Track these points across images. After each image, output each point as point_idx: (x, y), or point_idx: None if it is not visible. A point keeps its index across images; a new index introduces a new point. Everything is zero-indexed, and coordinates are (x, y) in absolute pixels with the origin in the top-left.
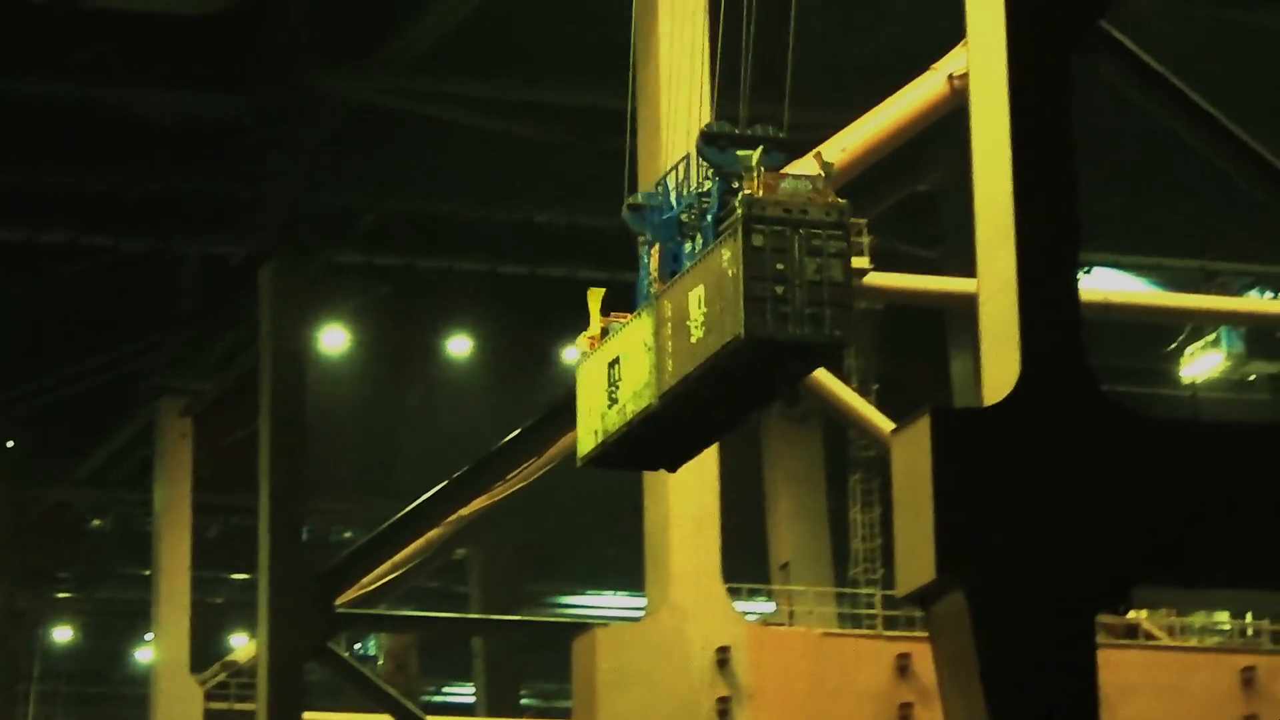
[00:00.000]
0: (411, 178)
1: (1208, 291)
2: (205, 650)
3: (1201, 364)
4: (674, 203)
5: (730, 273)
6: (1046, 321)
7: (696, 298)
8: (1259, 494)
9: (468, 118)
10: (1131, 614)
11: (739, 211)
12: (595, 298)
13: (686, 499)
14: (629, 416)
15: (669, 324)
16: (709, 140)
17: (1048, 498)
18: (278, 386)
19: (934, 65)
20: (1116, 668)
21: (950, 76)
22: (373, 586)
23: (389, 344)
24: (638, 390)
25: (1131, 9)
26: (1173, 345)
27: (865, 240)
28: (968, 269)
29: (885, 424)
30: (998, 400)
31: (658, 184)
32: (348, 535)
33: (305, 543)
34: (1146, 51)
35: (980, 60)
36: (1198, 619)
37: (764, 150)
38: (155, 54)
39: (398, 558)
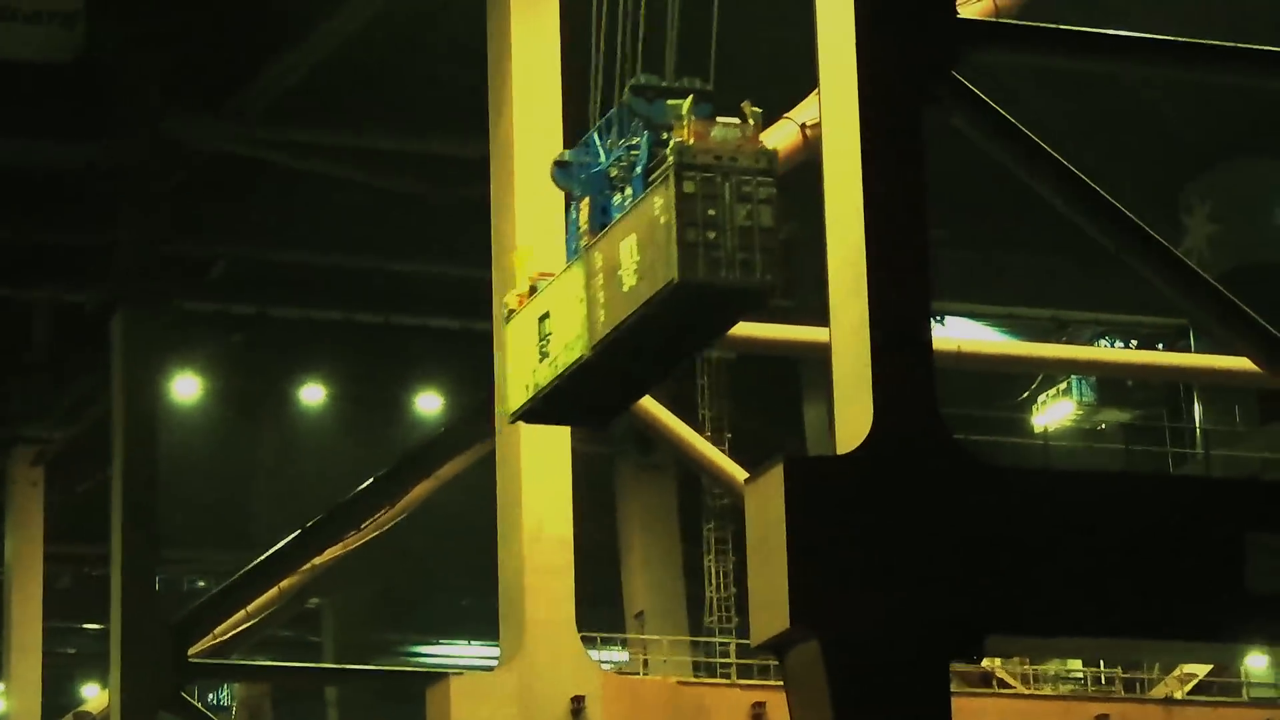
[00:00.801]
0: (265, 226)
1: (1059, 341)
2: (57, 701)
3: (1053, 413)
4: (602, 157)
5: (662, 220)
6: (899, 370)
7: (628, 247)
8: (1110, 542)
9: (321, 166)
10: (985, 662)
11: (670, 159)
12: (523, 256)
13: (540, 548)
14: (561, 369)
15: (600, 274)
16: (637, 92)
17: (901, 547)
18: (129, 435)
19: (787, 114)
20: (971, 716)
21: (803, 126)
22: (226, 636)
23: (242, 392)
24: (569, 342)
25: (983, 60)
26: (1025, 394)
27: None
28: (821, 318)
29: (739, 472)
30: (851, 449)
31: (584, 139)
32: (201, 584)
33: (158, 592)
34: (998, 102)
35: (832, 110)
36: (1052, 667)
37: (692, 100)
38: (4, 100)
39: (251, 607)
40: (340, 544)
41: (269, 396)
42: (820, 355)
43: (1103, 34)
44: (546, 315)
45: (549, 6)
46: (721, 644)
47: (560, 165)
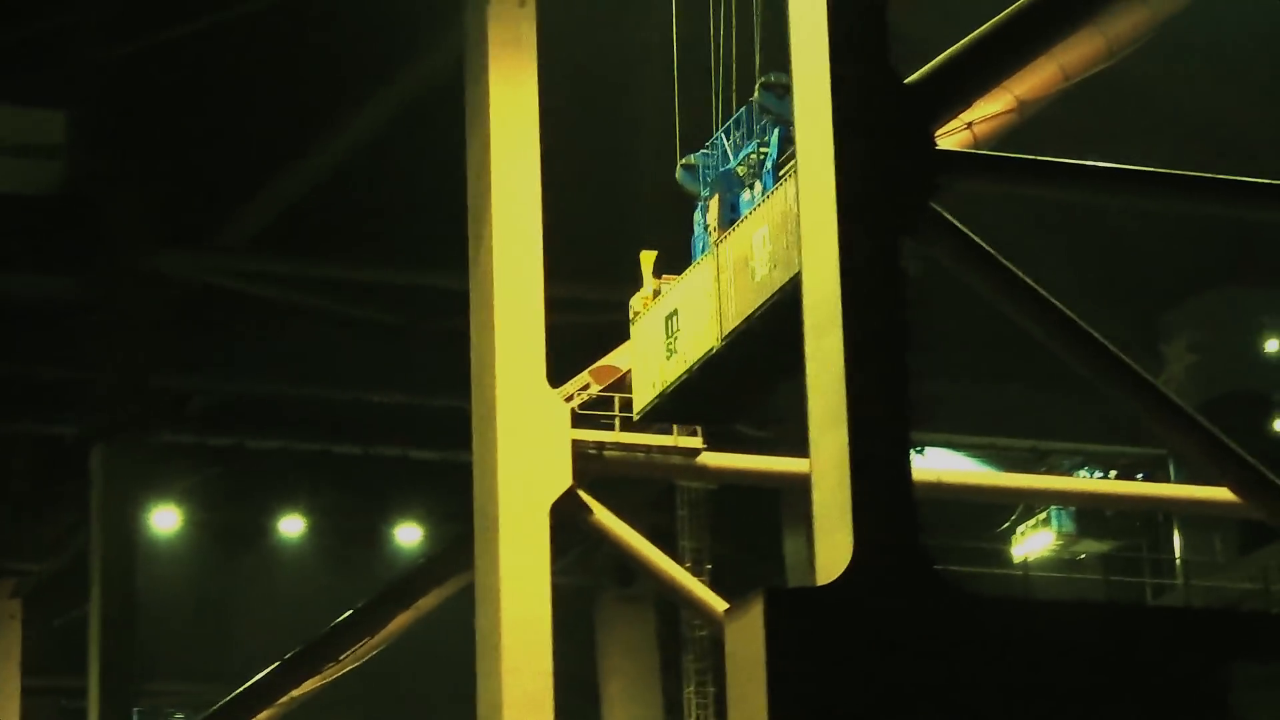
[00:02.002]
0: (245, 358)
1: (1038, 471)
2: None
3: (1033, 543)
4: (731, 156)
5: (796, 208)
6: (879, 501)
7: (761, 238)
8: (1091, 673)
9: (301, 299)
10: None
11: None
12: (648, 260)
13: (520, 680)
14: (690, 363)
15: (730, 268)
16: (768, 89)
17: (882, 678)
18: (108, 567)
19: None
20: None
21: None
22: None
23: (221, 524)
24: (699, 336)
25: (962, 192)
26: (1005, 524)
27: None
28: (801, 449)
29: (719, 604)
30: (831, 580)
31: (710, 142)
32: (179, 717)
33: None
34: (977, 233)
35: (812, 243)
36: None
37: None
38: None
39: None
40: (319, 676)
41: (248, 528)
42: (800, 486)
43: (1079, 164)
44: (674, 313)
45: (529, 138)
46: None
47: (687, 168)
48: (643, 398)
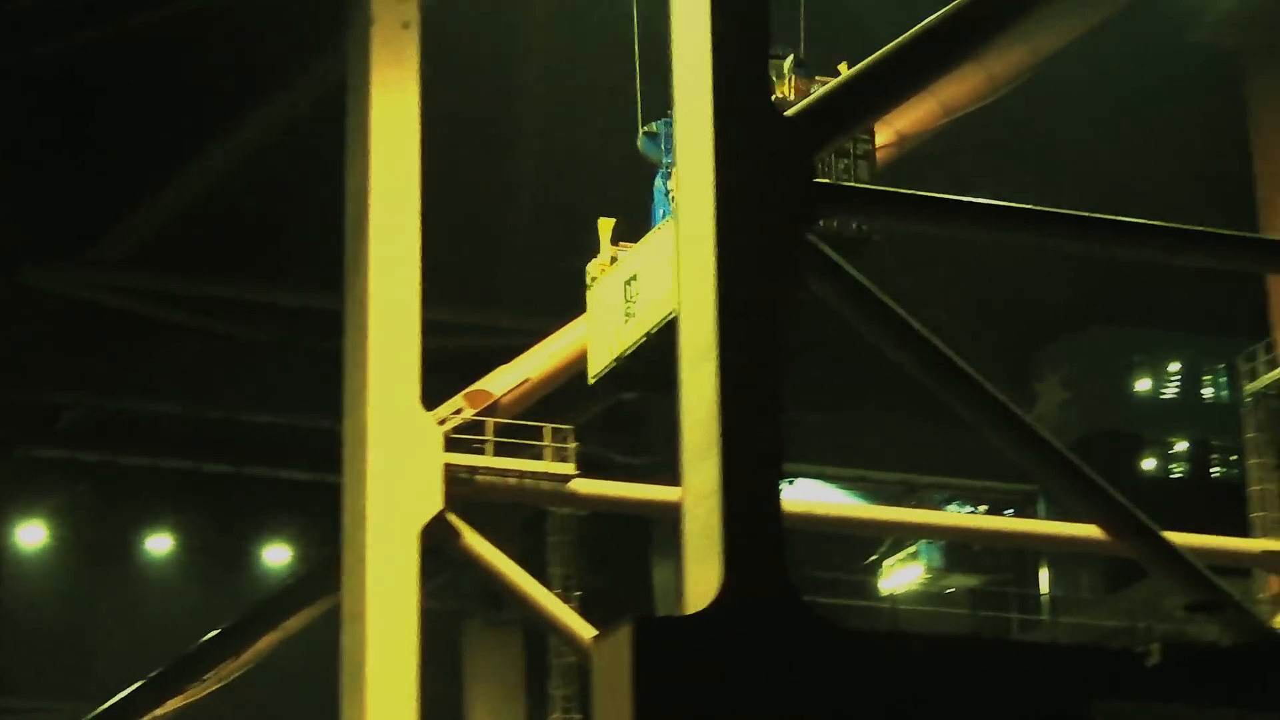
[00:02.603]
0: (116, 375)
1: (909, 505)
2: None
3: (901, 576)
4: None
5: None
6: (749, 532)
7: None
8: (956, 707)
9: (175, 316)
10: None
11: None
12: (606, 227)
13: (385, 704)
14: (649, 326)
15: None
16: None
17: (748, 709)
18: None
19: None
20: None
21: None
22: None
23: (89, 540)
24: (659, 299)
25: (841, 232)
26: (874, 557)
27: (572, 447)
28: (672, 478)
29: (587, 631)
30: (699, 610)
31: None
32: None
33: None
34: (854, 265)
35: (690, 273)
36: None
37: (793, 60)
38: None
39: None
40: (183, 695)
41: (116, 545)
42: (671, 515)
43: (954, 200)
44: (634, 278)
45: (410, 163)
46: None
47: (649, 135)
48: (598, 362)
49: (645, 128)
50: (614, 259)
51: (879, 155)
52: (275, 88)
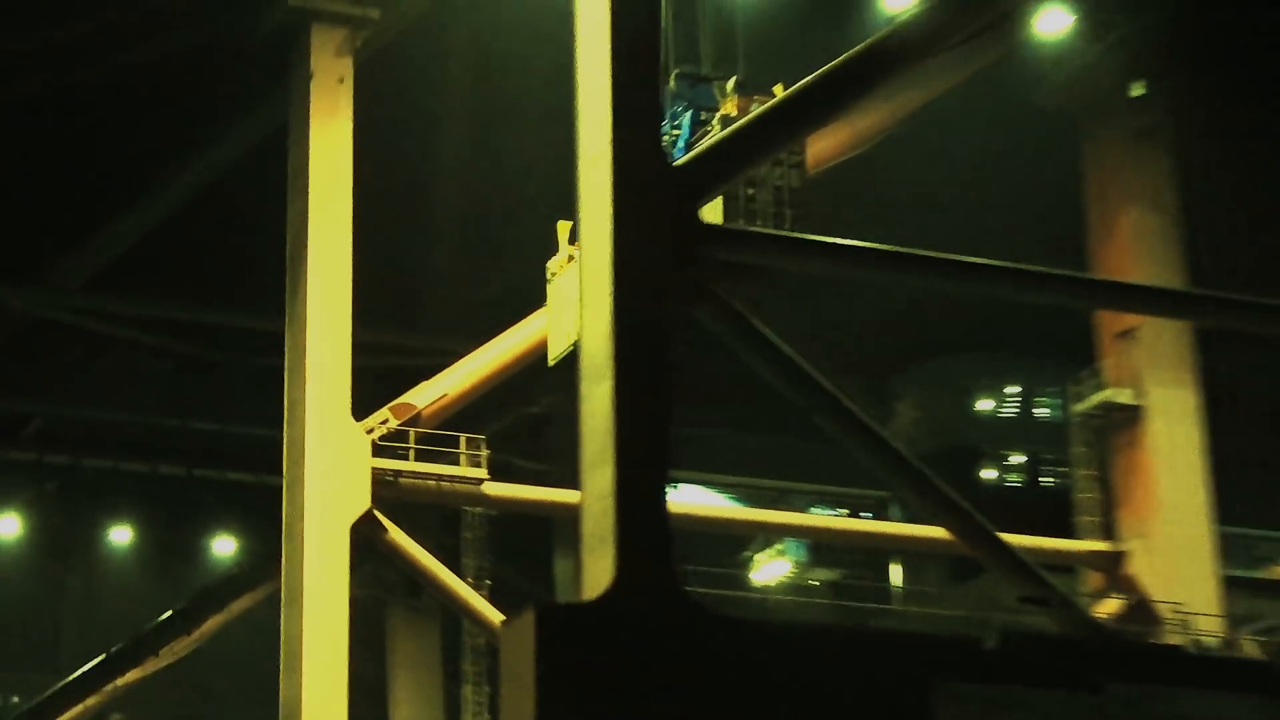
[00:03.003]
0: (80, 386)
1: (778, 507)
2: None
3: (771, 570)
4: None
5: None
6: (639, 530)
7: None
8: (817, 687)
9: (132, 334)
10: None
11: (717, 127)
12: (564, 228)
13: (318, 679)
14: None
15: None
16: (682, 78)
17: (635, 683)
18: None
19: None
20: None
21: None
22: None
23: (55, 533)
24: None
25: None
26: (748, 552)
27: (484, 454)
28: (572, 483)
29: (496, 616)
30: (595, 597)
31: None
32: (15, 701)
33: None
34: (733, 300)
35: (590, 302)
36: None
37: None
38: None
39: None
40: (139, 668)
41: (80, 537)
42: (570, 515)
43: (824, 241)
44: None
45: (343, 201)
46: None
47: (681, 77)
48: (558, 346)
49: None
50: (571, 257)
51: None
52: (222, 128)
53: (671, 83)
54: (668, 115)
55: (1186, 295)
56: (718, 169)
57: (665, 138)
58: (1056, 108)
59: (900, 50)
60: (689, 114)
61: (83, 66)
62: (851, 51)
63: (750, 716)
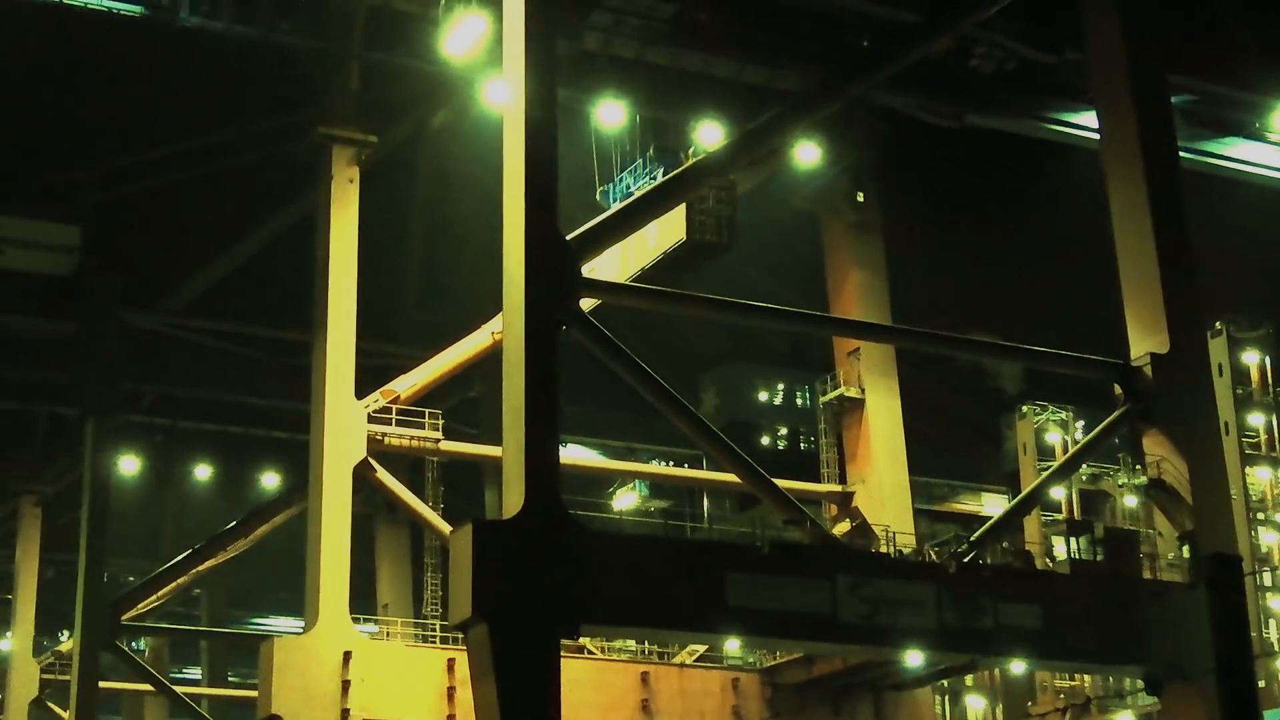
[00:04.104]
0: (178, 374)
1: (630, 460)
2: (43, 646)
3: (625, 500)
4: (632, 183)
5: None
6: (539, 474)
7: (654, 226)
8: (655, 576)
9: (213, 341)
10: (580, 640)
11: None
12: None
13: (330, 565)
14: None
15: (632, 240)
16: (660, 149)
17: (537, 573)
18: (94, 500)
19: (485, 325)
20: (570, 669)
21: (492, 333)
22: (143, 609)
23: (161, 470)
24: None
25: (592, 301)
26: (610, 490)
27: (440, 423)
28: (496, 441)
29: (446, 527)
30: (511, 516)
31: (616, 180)
32: (130, 579)
33: (104, 583)
34: (606, 326)
35: (509, 323)
36: (617, 643)
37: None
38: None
39: (161, 592)
40: (213, 559)
41: (176, 472)
42: (496, 462)
43: (662, 290)
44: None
45: (351, 258)
46: (432, 624)
47: (604, 193)
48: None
49: (600, 188)
50: None
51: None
52: (276, 211)
53: (651, 151)
54: (648, 170)
55: (890, 328)
56: (593, 241)
57: (646, 185)
58: (807, 208)
59: (709, 168)
60: (662, 168)
61: (181, 170)
62: (678, 170)
63: (609, 593)
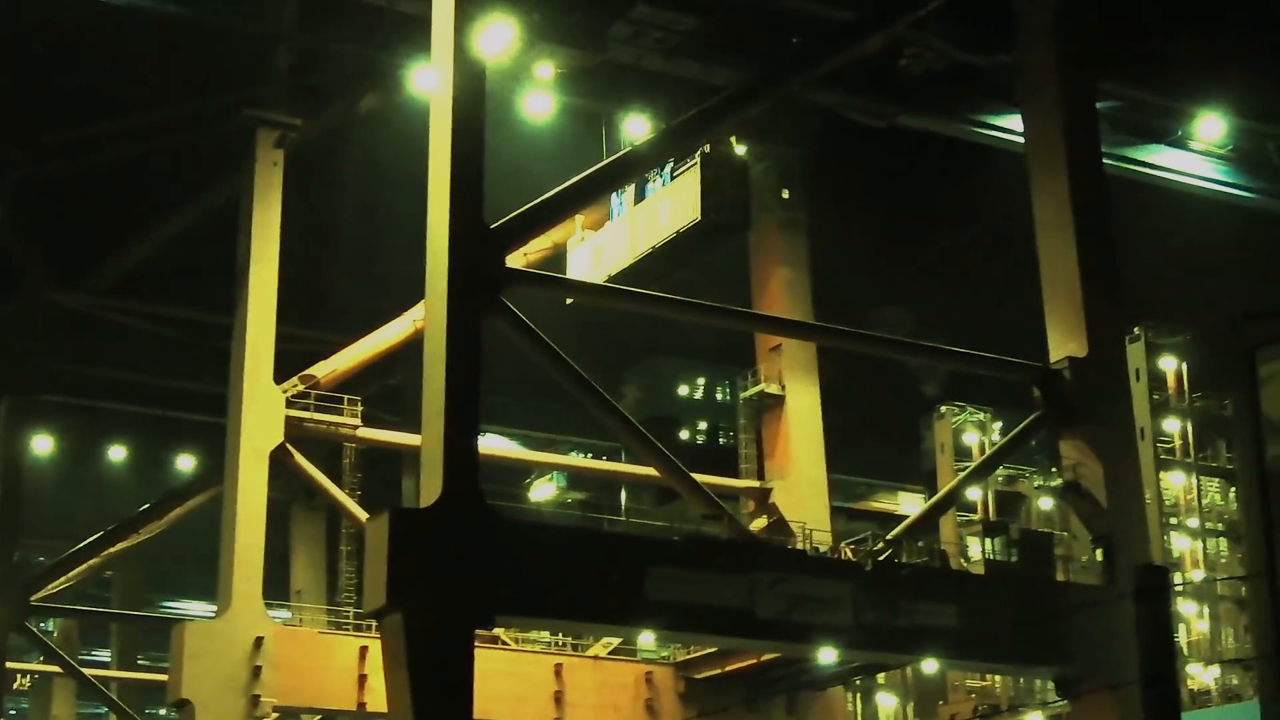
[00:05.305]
0: (97, 354)
1: (549, 451)
2: None
3: (542, 491)
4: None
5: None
6: (458, 462)
7: (666, 204)
8: (573, 567)
9: (134, 321)
10: (495, 631)
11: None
12: (579, 219)
13: (243, 549)
14: (610, 273)
15: (643, 220)
16: None
17: (454, 562)
18: (6, 478)
19: (406, 313)
20: (485, 660)
21: (414, 320)
22: (54, 590)
23: (77, 449)
24: (618, 256)
25: (517, 294)
26: (528, 480)
27: (359, 409)
28: (416, 429)
29: (363, 514)
30: (428, 505)
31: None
32: (41, 559)
33: (15, 563)
34: (529, 317)
35: (431, 314)
36: (532, 635)
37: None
38: None
39: (71, 574)
40: (126, 541)
41: (92, 452)
42: (415, 450)
43: (579, 281)
44: (600, 246)
45: (274, 240)
46: (346, 611)
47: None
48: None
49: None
50: (581, 238)
51: (543, 253)
52: (200, 192)
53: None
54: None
55: (811, 326)
56: (518, 231)
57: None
58: None
59: (631, 165)
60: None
61: (108, 150)
62: (600, 165)
63: (524, 584)
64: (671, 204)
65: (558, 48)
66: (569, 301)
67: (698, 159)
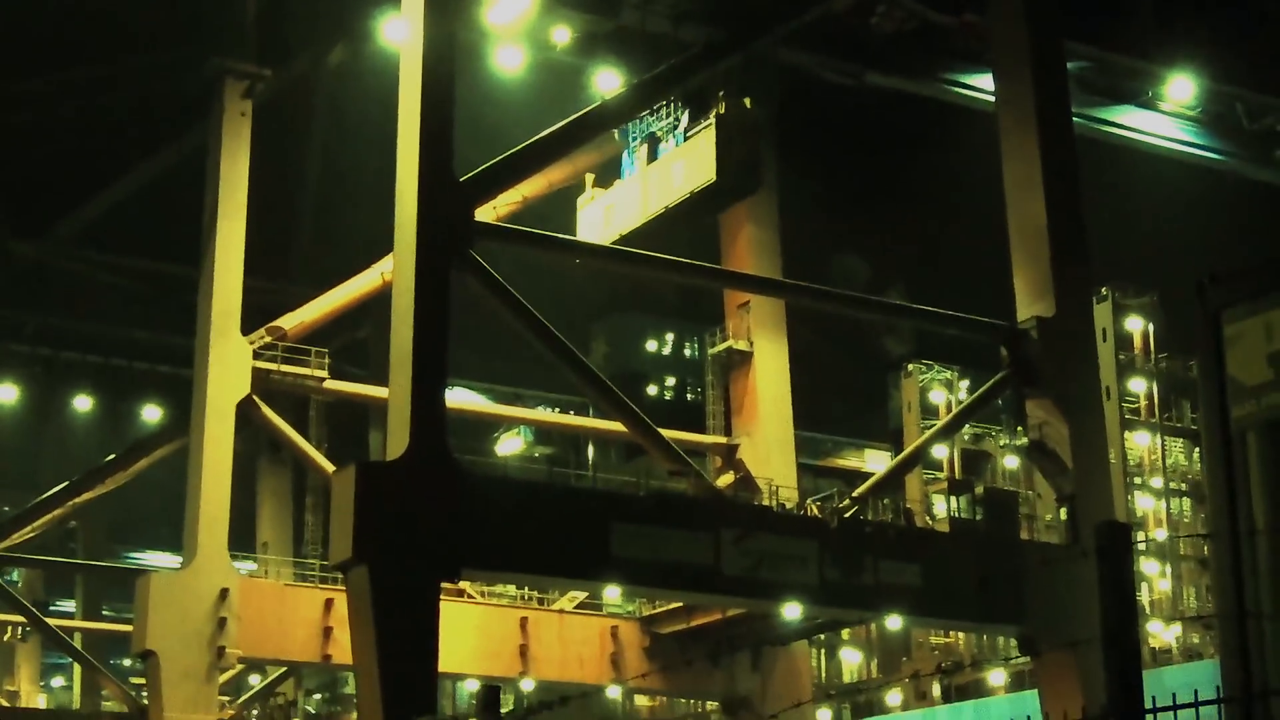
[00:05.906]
0: (62, 304)
1: (516, 405)
2: None
3: (509, 445)
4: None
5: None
6: (425, 416)
7: (680, 165)
8: (540, 522)
9: (100, 273)
10: (461, 584)
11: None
12: (590, 178)
13: (210, 502)
14: (623, 232)
15: (656, 180)
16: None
17: (420, 516)
18: None
19: (375, 265)
20: (449, 613)
21: (382, 273)
22: (19, 540)
23: (40, 399)
24: (630, 217)
25: (487, 250)
26: (497, 434)
27: (326, 362)
28: (383, 382)
29: (330, 467)
30: (395, 458)
31: (632, 121)
32: (6, 509)
33: None
34: (497, 271)
35: (399, 268)
36: (498, 588)
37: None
38: None
39: (36, 524)
40: (91, 492)
41: (56, 403)
42: (382, 404)
43: (551, 235)
44: (611, 205)
45: (240, 192)
46: (312, 564)
47: (621, 132)
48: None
49: (617, 129)
50: (593, 196)
51: (512, 208)
52: (168, 142)
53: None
54: (670, 115)
55: (779, 283)
56: (487, 184)
57: (663, 127)
58: None
59: (599, 120)
60: (687, 110)
61: (73, 100)
62: (570, 118)
63: (489, 538)
64: (685, 164)
65: (572, 12)
66: (577, 261)
67: (712, 119)
